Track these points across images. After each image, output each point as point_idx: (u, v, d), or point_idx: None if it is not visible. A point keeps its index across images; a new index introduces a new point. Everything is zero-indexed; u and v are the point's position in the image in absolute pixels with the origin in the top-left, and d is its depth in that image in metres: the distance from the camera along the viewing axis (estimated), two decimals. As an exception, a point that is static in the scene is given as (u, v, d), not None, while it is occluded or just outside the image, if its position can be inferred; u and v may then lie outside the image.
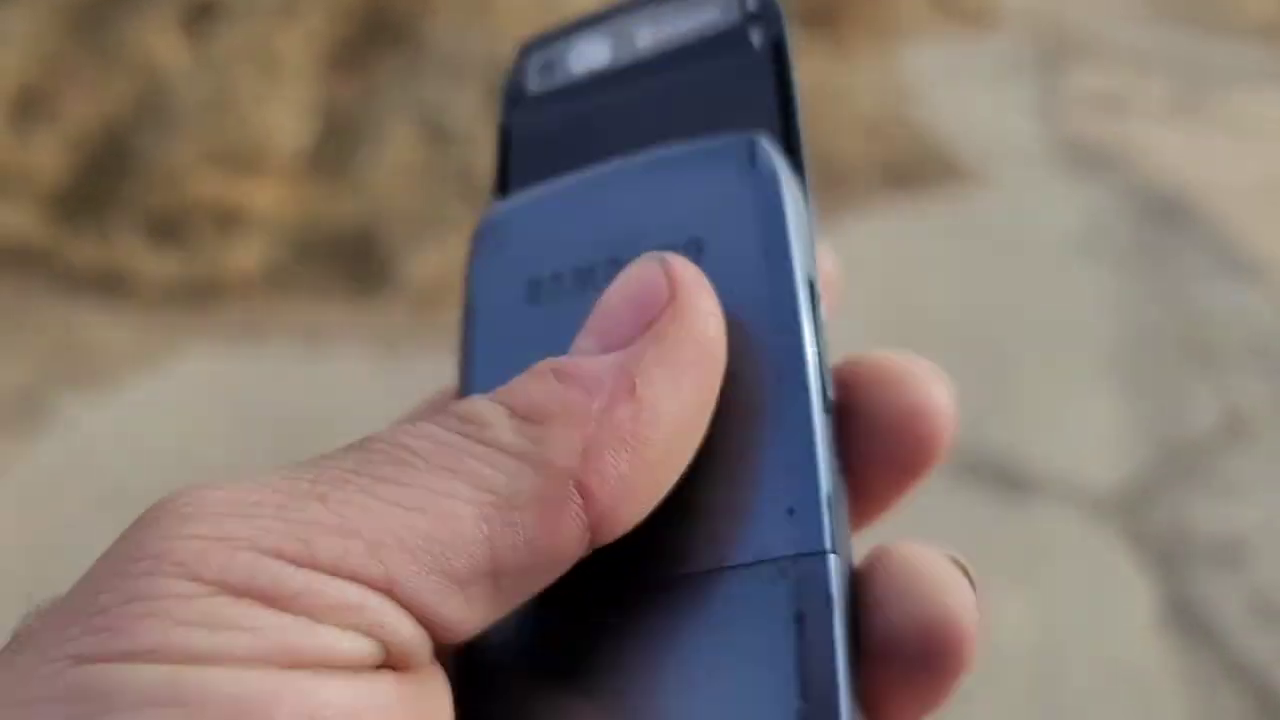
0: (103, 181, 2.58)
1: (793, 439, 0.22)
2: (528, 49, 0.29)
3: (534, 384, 0.21)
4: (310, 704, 0.17)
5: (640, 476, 0.20)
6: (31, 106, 2.62)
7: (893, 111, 4.49)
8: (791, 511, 0.22)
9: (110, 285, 2.42)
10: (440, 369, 2.01)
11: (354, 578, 0.18)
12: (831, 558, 0.22)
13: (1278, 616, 2.01)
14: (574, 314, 0.23)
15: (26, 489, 1.81)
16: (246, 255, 2.52)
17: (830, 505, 0.22)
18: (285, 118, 2.76)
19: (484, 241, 0.27)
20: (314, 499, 0.19)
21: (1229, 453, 2.52)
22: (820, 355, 0.24)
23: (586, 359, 0.21)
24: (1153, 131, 5.25)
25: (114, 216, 2.52)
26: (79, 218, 2.51)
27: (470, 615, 0.19)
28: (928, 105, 4.89)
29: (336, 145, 2.83)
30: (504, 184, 0.28)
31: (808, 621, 0.22)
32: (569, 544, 0.19)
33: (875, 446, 0.25)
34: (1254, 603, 2.03)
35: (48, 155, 2.57)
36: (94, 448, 1.95)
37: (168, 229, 2.53)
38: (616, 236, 0.24)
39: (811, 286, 0.25)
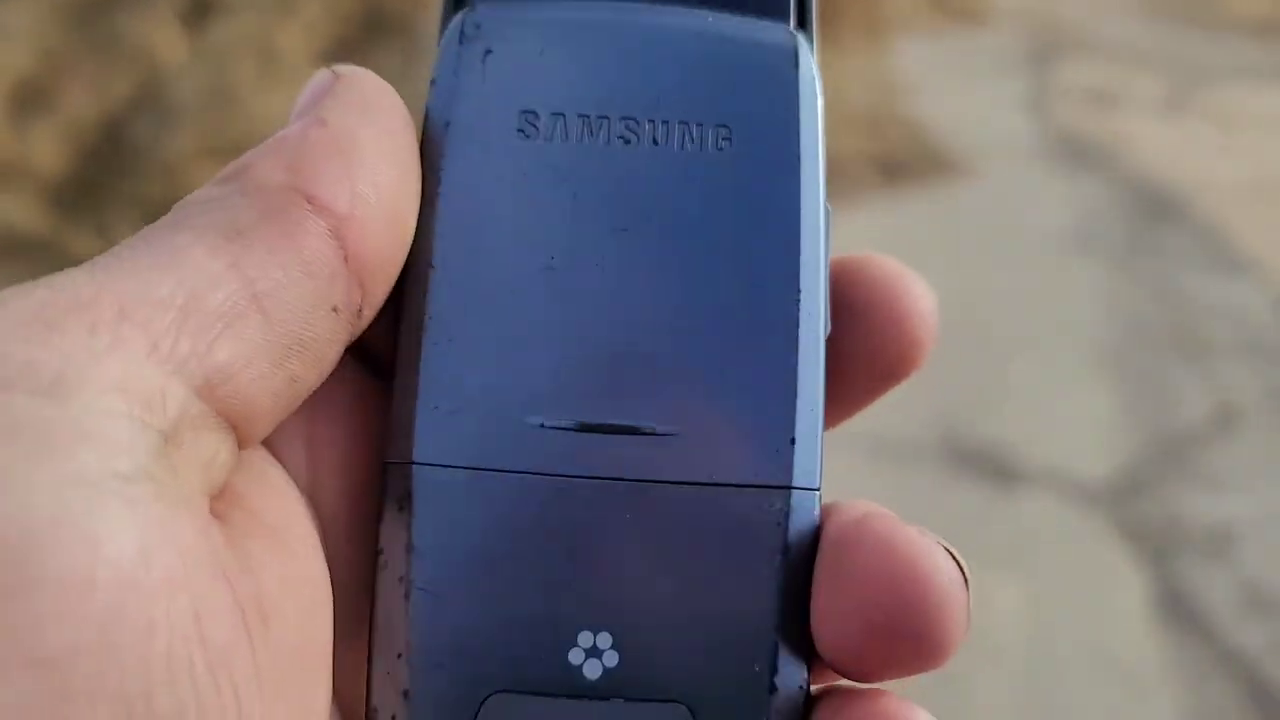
0: (102, 174, 2.57)
1: (804, 367, 0.22)
2: None
3: (244, 155, 0.21)
4: (77, 509, 0.15)
5: (361, 177, 0.20)
6: (31, 100, 2.62)
7: (886, 107, 4.49)
8: (793, 442, 0.23)
9: (110, 277, 2.42)
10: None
11: (110, 350, 0.16)
12: (818, 495, 0.24)
13: (1266, 606, 2.03)
14: (572, 162, 0.21)
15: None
16: (245, 248, 2.52)
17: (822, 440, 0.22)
18: (283, 111, 2.76)
19: (474, 44, 0.23)
20: (42, 287, 0.17)
21: (1218, 444, 2.53)
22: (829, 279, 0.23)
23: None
24: (1144, 127, 5.26)
25: (113, 209, 2.51)
26: (78, 210, 2.51)
27: (248, 353, 0.18)
28: (921, 101, 4.90)
29: (334, 138, 2.83)
30: None
31: (792, 554, 0.23)
32: (320, 250, 0.19)
33: (860, 347, 0.25)
34: (1243, 593, 2.04)
35: (47, 148, 2.56)
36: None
37: (167, 221, 2.53)
38: (641, 94, 0.22)
39: (826, 209, 0.24)
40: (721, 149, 0.22)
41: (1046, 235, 3.69)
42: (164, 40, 2.74)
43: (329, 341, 0.19)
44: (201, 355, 0.17)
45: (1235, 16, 6.24)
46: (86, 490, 0.14)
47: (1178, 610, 1.99)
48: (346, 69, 0.23)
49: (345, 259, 0.19)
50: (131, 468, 0.15)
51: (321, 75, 0.24)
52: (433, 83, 0.23)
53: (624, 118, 0.21)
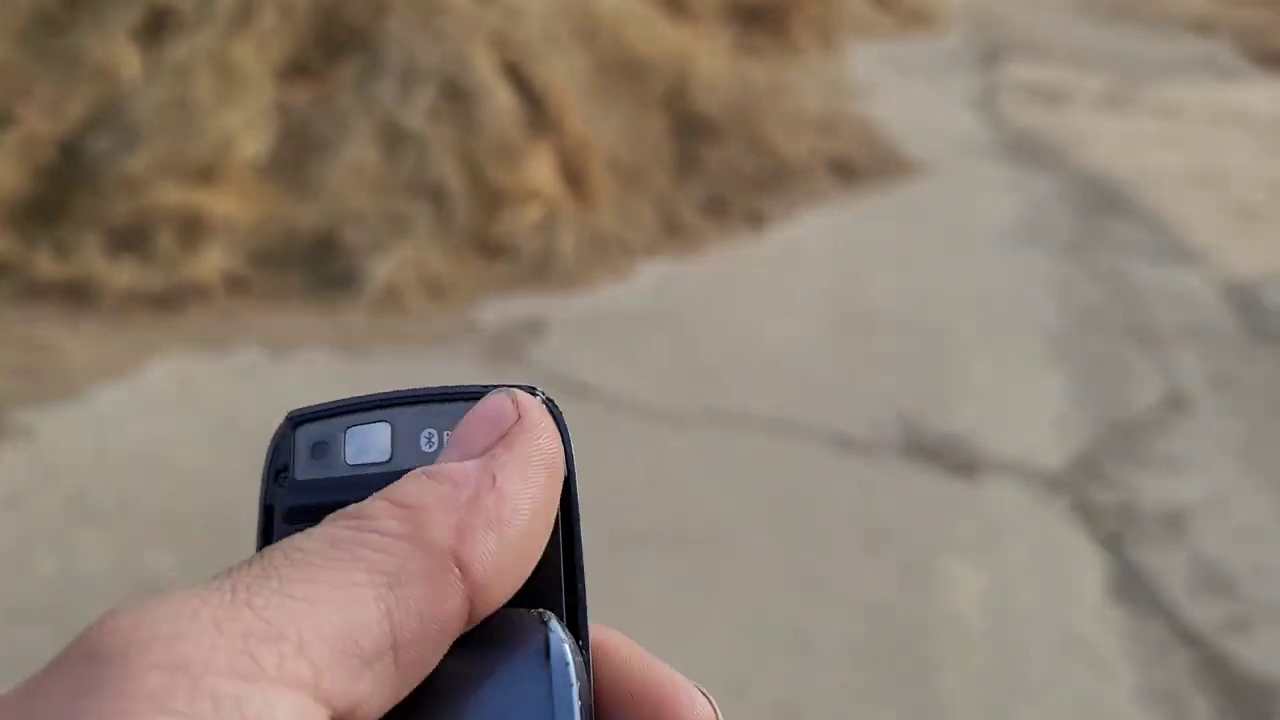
0: (61, 193, 2.54)
1: None
2: (295, 420, 0.27)
3: (410, 483, 0.24)
4: None
5: (506, 553, 0.23)
6: (-14, 120, 2.59)
7: (839, 108, 4.53)
8: None
9: (72, 297, 2.39)
10: (403, 368, 2.01)
11: (293, 683, 0.20)
12: None
13: (1220, 584, 2.06)
14: None
15: (-6, 500, 1.79)
16: (208, 264, 2.50)
17: None
18: (242, 125, 2.74)
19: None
20: (244, 607, 0.20)
21: (1170, 429, 2.57)
22: None
23: (453, 464, 0.24)
24: (1090, 122, 5.33)
25: (74, 228, 2.48)
26: (38, 230, 2.48)
27: (376, 691, 0.21)
28: (873, 101, 4.94)
29: (294, 151, 2.82)
30: None
31: None
32: (453, 613, 0.22)
33: None
34: (1198, 572, 2.08)
35: (4, 167, 2.53)
36: (58, 460, 1.92)
37: (128, 239, 2.50)
38: None
39: None
40: None
41: (997, 230, 3.73)
42: (120, 58, 2.71)
43: (434, 662, 0.22)
44: (346, 690, 0.20)
45: (1177, 14, 6.34)
46: None
47: (1135, 591, 2.02)
48: (525, 405, 0.26)
49: (471, 611, 0.22)
50: None
51: (502, 406, 0.26)
52: None
53: None
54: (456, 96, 3.03)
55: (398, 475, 0.24)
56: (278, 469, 0.26)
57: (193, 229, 2.54)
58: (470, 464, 0.24)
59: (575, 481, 0.27)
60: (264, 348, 2.36)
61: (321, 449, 0.26)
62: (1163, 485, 2.33)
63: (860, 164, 4.07)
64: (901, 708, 1.71)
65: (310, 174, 2.77)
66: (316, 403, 0.27)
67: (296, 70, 2.98)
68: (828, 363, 2.67)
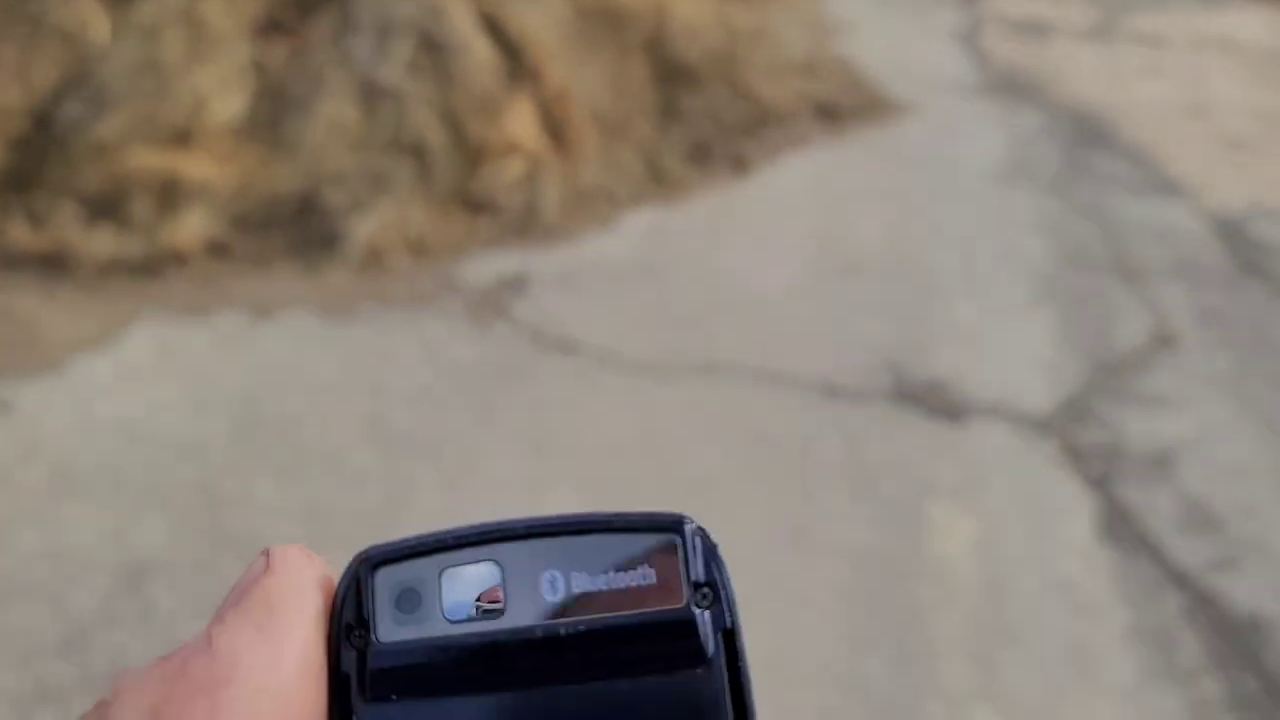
0: (33, 161, 2.49)
1: None
2: (376, 564, 0.21)
3: (128, 672, 0.20)
4: None
5: (232, 713, 0.19)
6: (-46, 88, 2.52)
7: (821, 49, 4.45)
8: None
9: (48, 266, 2.34)
10: (386, 329, 1.96)
11: None
12: None
13: (1209, 524, 2.05)
14: None
15: (-24, 478, 1.77)
16: (186, 228, 2.45)
17: None
18: (216, 86, 2.67)
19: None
20: None
21: (1157, 367, 2.55)
22: None
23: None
24: (1074, 56, 5.25)
25: (48, 196, 2.43)
26: (11, 199, 2.43)
27: None
28: (854, 40, 4.85)
29: (270, 111, 2.75)
30: None
31: None
32: None
33: None
34: (1186, 511, 2.07)
35: (-25, 137, 2.47)
36: (39, 433, 1.89)
37: (104, 206, 2.45)
38: None
39: None
40: None
41: (982, 169, 3.68)
42: (88, 19, 2.64)
43: None
44: None
45: (1158, -59, 6.23)
46: None
47: (1123, 531, 2.01)
48: (280, 557, 0.21)
49: None
50: None
51: (255, 564, 0.21)
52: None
53: None
54: (433, 50, 2.96)
55: (513, 634, 0.20)
56: (349, 625, 0.20)
57: (169, 194, 2.49)
58: (200, 635, 0.20)
59: (740, 630, 0.22)
60: (246, 312, 2.33)
61: (411, 599, 0.21)
62: (1150, 424, 2.32)
63: (844, 106, 4.01)
64: (889, 653, 1.70)
65: (287, 134, 2.72)
66: (395, 539, 0.21)
67: (269, 27, 2.91)
68: (814, 309, 2.64)
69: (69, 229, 2.36)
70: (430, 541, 0.21)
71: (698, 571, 0.21)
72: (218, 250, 2.49)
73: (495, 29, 3.13)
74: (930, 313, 2.69)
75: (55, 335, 2.16)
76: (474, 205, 2.83)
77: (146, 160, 2.49)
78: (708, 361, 2.34)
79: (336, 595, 0.21)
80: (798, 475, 2.04)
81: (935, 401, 2.30)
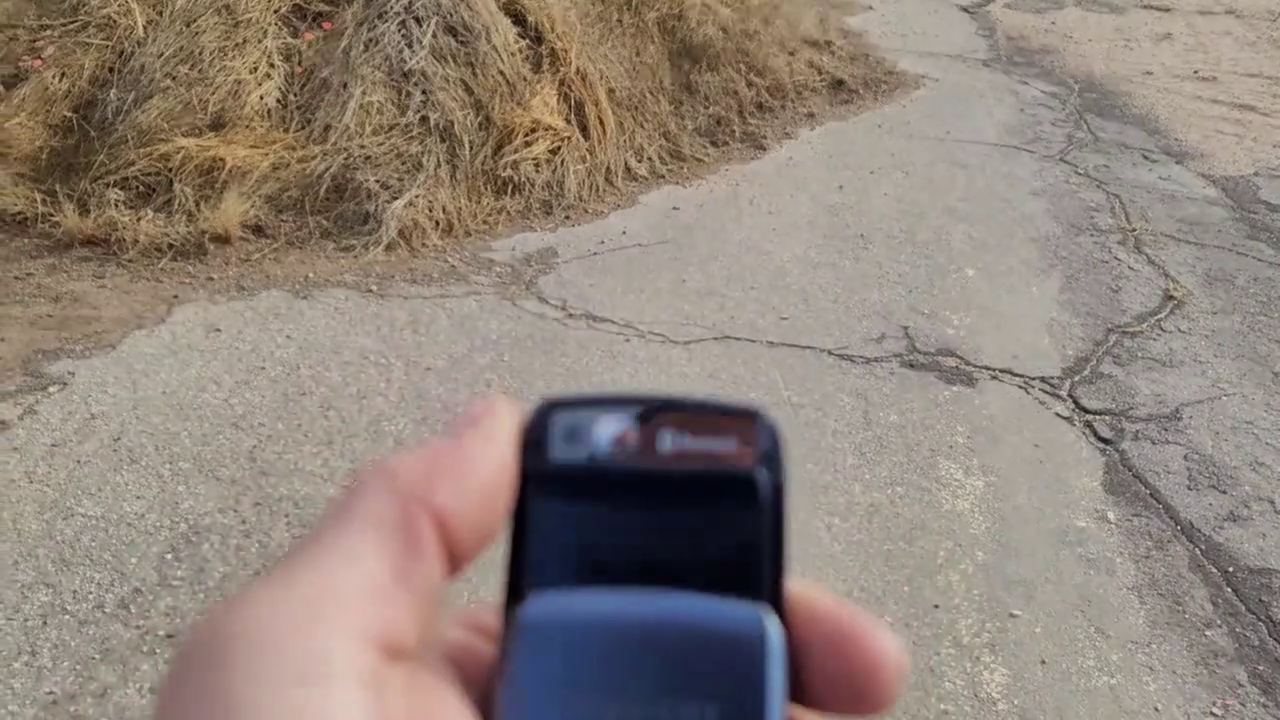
0: (79, 147, 2.51)
1: None
2: (554, 407, 0.30)
3: (396, 453, 0.28)
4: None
5: (465, 496, 0.27)
6: (2, 79, 2.54)
7: (833, 24, 4.41)
8: None
9: (97, 249, 2.37)
10: (419, 304, 1.98)
11: (340, 633, 0.24)
12: None
13: (1217, 478, 2.05)
14: None
15: (33, 453, 1.80)
16: (227, 211, 2.47)
17: None
18: (250, 73, 2.69)
19: (529, 638, 0.28)
20: (288, 588, 0.25)
21: (1165, 328, 2.54)
22: None
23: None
24: (1083, 26, 5.18)
25: (94, 182, 2.46)
26: (59, 184, 2.45)
27: (405, 614, 0.26)
28: (866, 16, 4.81)
29: (303, 96, 2.77)
30: (520, 543, 0.29)
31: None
32: (429, 550, 0.26)
33: (833, 695, 0.29)
34: (1194, 466, 2.06)
35: (21, 124, 2.50)
36: (95, 408, 1.92)
37: (148, 190, 2.48)
38: (647, 687, 0.28)
39: None
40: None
41: (990, 139, 3.65)
42: (128, 10, 2.65)
43: (441, 591, 0.27)
44: (381, 626, 0.25)
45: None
46: None
47: (1132, 488, 2.01)
48: (500, 403, 0.29)
49: (443, 542, 0.27)
50: None
51: (479, 404, 0.30)
52: (501, 665, 0.28)
53: (639, 700, 0.27)
54: (458, 34, 2.96)
55: (634, 469, 0.29)
56: (533, 443, 0.29)
57: (209, 178, 2.51)
58: (443, 437, 0.28)
59: (786, 490, 0.29)
60: (286, 291, 2.35)
61: (574, 434, 0.29)
62: (1159, 383, 2.31)
63: (856, 80, 3.98)
64: (903, 607, 1.71)
65: (320, 118, 2.73)
66: (571, 392, 0.30)
67: (300, 15, 2.92)
68: (828, 279, 2.64)
69: (115, 213, 2.39)
70: (593, 396, 0.29)
71: (764, 445, 0.29)
72: (256, 231, 2.51)
73: (517, 12, 3.12)
74: (941, 279, 2.68)
75: (107, 315, 2.19)
76: (500, 184, 2.84)
77: (186, 145, 2.51)
78: (726, 331, 2.35)
79: (525, 423, 0.29)
80: (814, 438, 2.05)
81: (947, 365, 2.30)
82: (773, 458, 0.29)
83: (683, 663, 0.27)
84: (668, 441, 0.29)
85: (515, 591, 0.29)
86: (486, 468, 0.28)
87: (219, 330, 2.19)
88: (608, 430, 0.29)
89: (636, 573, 0.29)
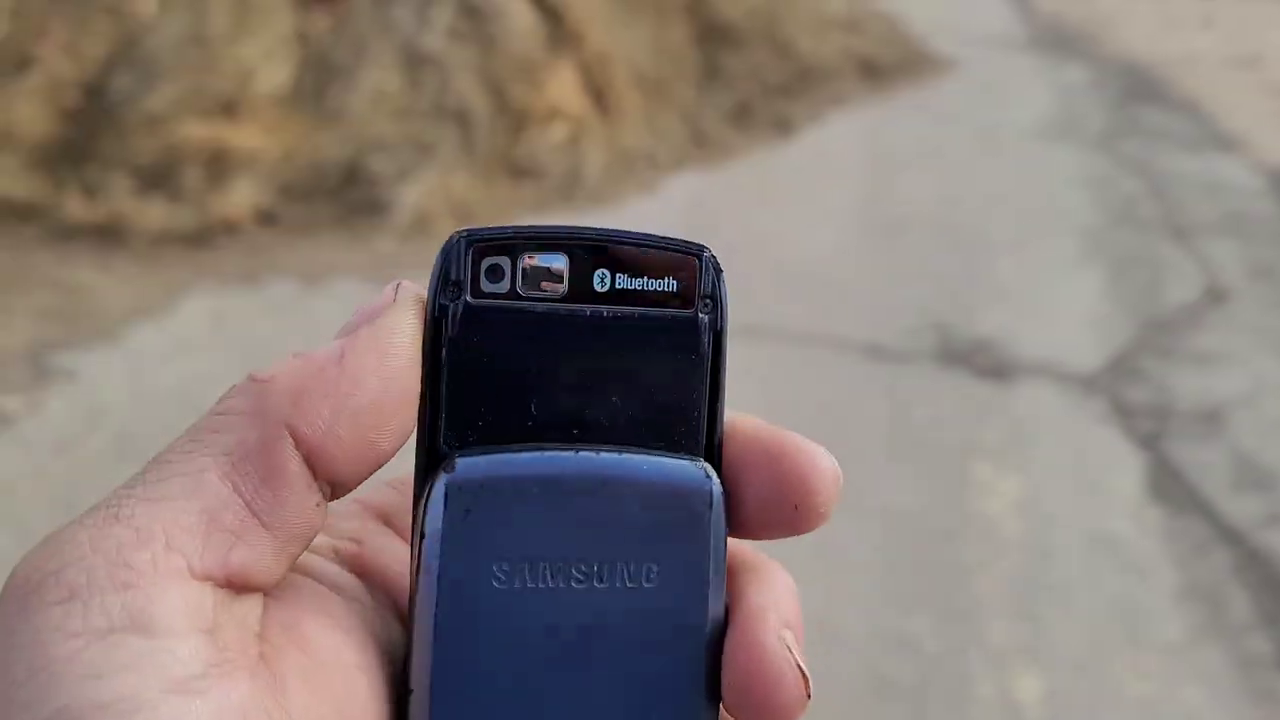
0: (86, 134, 2.52)
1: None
2: (474, 240, 0.27)
3: (277, 360, 0.26)
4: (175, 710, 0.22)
5: (341, 421, 0.25)
6: (8, 63, 2.56)
7: (864, 5, 4.38)
8: None
9: (103, 238, 2.38)
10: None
11: (170, 574, 0.22)
12: None
13: (1261, 479, 2.02)
14: (539, 603, 0.26)
15: (38, 444, 1.81)
16: (236, 199, 2.48)
17: None
18: (261, 57, 2.69)
19: (454, 506, 0.26)
20: (114, 522, 0.23)
21: (1208, 323, 2.51)
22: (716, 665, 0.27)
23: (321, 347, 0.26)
24: (1125, 7, 5.13)
25: (101, 169, 2.47)
26: (66, 172, 2.47)
27: (257, 554, 0.24)
28: (899, -3, 4.78)
29: (314, 80, 2.77)
30: (436, 396, 0.27)
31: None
32: (294, 475, 0.24)
33: (767, 518, 0.28)
34: (1237, 467, 2.04)
35: (30, 110, 2.51)
36: (101, 399, 1.93)
37: (155, 177, 2.49)
38: (588, 543, 0.27)
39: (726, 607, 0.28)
40: (650, 583, 0.27)
41: (1029, 125, 3.62)
42: (135, -7, 2.66)
43: (314, 523, 0.25)
44: (222, 564, 0.23)
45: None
46: (178, 695, 0.22)
47: (1173, 489, 1.99)
48: (405, 290, 0.27)
49: (316, 475, 0.24)
50: (200, 670, 0.22)
51: (385, 292, 0.27)
52: (422, 535, 0.26)
53: (577, 562, 0.26)
54: (474, 15, 2.96)
55: (566, 310, 0.27)
56: (447, 282, 0.27)
57: (219, 164, 2.52)
58: (332, 344, 0.26)
59: (726, 335, 0.28)
60: (296, 280, 2.36)
61: (495, 272, 0.27)
62: (1201, 381, 2.29)
63: (887, 63, 3.96)
64: (935, 613, 1.70)
65: (332, 102, 2.73)
66: (489, 226, 0.28)
67: (312, -3, 2.92)
68: (858, 270, 2.63)
69: (122, 200, 2.40)
70: (515, 231, 0.27)
71: (706, 287, 0.28)
72: (266, 219, 2.52)
73: (535, -7, 3.12)
74: (976, 272, 2.66)
75: (113, 305, 2.20)
76: (517, 170, 2.84)
77: (195, 131, 2.52)
78: (752, 324, 2.34)
79: (438, 259, 0.27)
80: (842, 436, 2.04)
81: (981, 361, 2.29)
82: (715, 300, 0.28)
83: (623, 523, 0.26)
84: (603, 281, 0.27)
85: (433, 455, 0.27)
86: (372, 384, 0.25)
87: (227, 321, 2.20)
88: (535, 267, 0.27)
89: (567, 425, 0.27)
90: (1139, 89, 4.05)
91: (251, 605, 0.24)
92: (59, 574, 0.22)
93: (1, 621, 0.23)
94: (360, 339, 0.25)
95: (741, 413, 0.29)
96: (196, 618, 0.22)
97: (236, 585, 0.24)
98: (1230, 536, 1.90)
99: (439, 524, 0.26)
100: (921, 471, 1.97)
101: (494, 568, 0.26)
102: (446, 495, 0.26)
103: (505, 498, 0.26)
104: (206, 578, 0.23)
